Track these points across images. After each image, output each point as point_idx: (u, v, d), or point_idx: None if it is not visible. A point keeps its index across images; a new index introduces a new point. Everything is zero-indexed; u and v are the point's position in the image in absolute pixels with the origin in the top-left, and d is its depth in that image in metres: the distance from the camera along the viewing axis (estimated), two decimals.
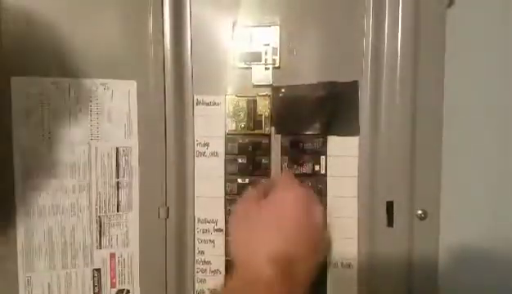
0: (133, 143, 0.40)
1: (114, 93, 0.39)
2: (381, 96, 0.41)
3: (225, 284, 0.35)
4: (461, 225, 0.40)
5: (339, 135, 0.41)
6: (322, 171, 0.42)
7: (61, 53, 0.38)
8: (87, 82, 0.39)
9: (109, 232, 0.40)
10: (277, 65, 0.41)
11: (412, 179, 0.41)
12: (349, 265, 0.42)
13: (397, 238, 0.41)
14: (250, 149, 0.42)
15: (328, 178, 0.42)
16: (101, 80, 0.39)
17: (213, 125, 0.42)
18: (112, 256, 0.40)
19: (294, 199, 0.33)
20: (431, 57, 0.40)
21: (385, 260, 0.41)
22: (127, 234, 0.41)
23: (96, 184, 0.39)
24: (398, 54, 0.40)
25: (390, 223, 0.41)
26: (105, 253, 0.40)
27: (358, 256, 0.42)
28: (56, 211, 0.39)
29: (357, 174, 0.41)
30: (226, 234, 0.42)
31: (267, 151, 0.42)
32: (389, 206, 0.41)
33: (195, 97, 0.42)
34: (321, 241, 0.33)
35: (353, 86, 0.41)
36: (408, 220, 0.41)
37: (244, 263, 0.31)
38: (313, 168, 0.42)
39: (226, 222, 0.42)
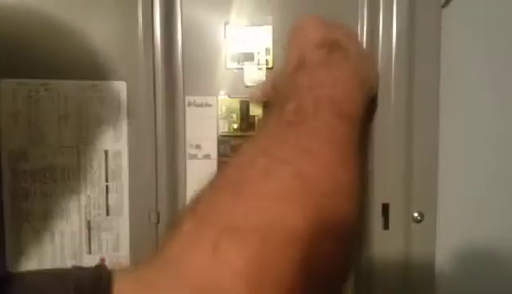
0: (123, 146, 0.39)
1: (103, 95, 0.38)
2: (375, 96, 0.40)
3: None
4: (458, 228, 0.39)
5: None
6: None
7: (51, 55, 0.37)
8: (77, 83, 0.38)
9: (98, 237, 0.39)
10: (270, 66, 0.40)
11: (408, 181, 0.40)
12: None
13: (393, 241, 0.41)
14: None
15: None
16: (91, 82, 0.38)
17: (205, 127, 0.41)
18: (102, 260, 0.39)
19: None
20: (426, 57, 0.40)
21: (381, 263, 0.41)
22: (117, 239, 0.40)
23: (86, 187, 0.39)
24: (393, 53, 0.40)
25: (386, 226, 0.41)
26: (94, 258, 0.39)
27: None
28: (45, 216, 0.38)
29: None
30: None
31: None
32: (385, 208, 0.40)
33: (187, 98, 0.41)
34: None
35: None
36: (404, 222, 0.41)
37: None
38: None
39: None
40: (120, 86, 0.39)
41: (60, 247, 0.38)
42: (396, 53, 0.40)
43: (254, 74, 0.40)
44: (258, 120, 0.41)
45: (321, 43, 0.31)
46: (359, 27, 0.40)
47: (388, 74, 0.40)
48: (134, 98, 0.39)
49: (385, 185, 0.40)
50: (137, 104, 0.39)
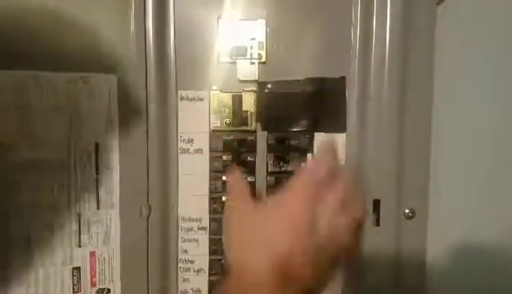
0: (114, 139, 0.39)
1: (94, 88, 0.38)
2: (369, 93, 0.40)
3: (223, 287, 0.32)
4: (450, 225, 0.39)
5: (325, 131, 0.41)
6: None
7: (41, 47, 0.37)
8: (67, 76, 0.37)
9: (89, 230, 0.39)
10: (263, 60, 0.40)
11: (400, 177, 0.40)
12: None
13: (384, 237, 0.41)
14: (235, 145, 0.41)
15: None
16: (81, 74, 0.38)
17: (198, 121, 0.41)
18: (92, 254, 0.39)
19: (310, 201, 0.28)
20: (420, 55, 0.40)
21: (372, 259, 0.41)
22: (107, 232, 0.39)
23: (76, 180, 0.38)
24: (387, 50, 0.40)
25: (377, 222, 0.41)
26: (84, 251, 0.39)
27: None
28: (35, 209, 0.38)
29: None
30: (211, 233, 0.41)
31: (252, 148, 0.41)
32: (376, 204, 0.40)
33: (179, 92, 0.40)
34: (338, 256, 0.28)
35: (341, 83, 0.40)
36: (395, 219, 0.41)
37: (243, 265, 0.28)
38: (299, 166, 0.41)
39: (211, 221, 0.41)
40: (111, 80, 0.38)
41: (49, 240, 0.38)
42: (389, 50, 0.39)
43: (247, 69, 0.40)
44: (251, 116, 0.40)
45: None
46: (353, 21, 0.40)
47: (382, 70, 0.40)
48: (125, 91, 0.39)
49: (377, 181, 0.40)
50: (129, 97, 0.39)
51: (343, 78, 0.40)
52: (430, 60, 0.40)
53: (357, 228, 0.28)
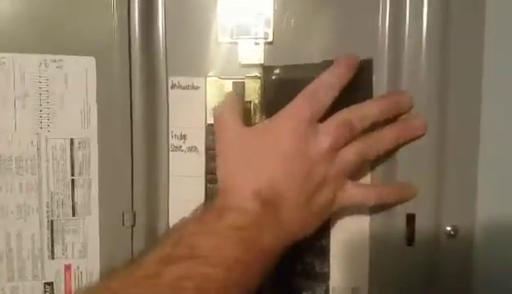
0: (92, 133, 0.34)
1: (68, 72, 0.33)
2: (401, 79, 0.33)
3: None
4: (499, 245, 0.33)
5: None
6: None
7: (5, 24, 0.32)
8: (36, 58, 0.32)
9: (63, 240, 0.34)
10: (270, 40, 0.33)
11: (440, 187, 0.33)
12: (357, 292, 0.34)
13: (418, 259, 0.34)
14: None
15: None
16: (52, 56, 0.32)
17: (192, 113, 0.35)
18: (67, 268, 0.34)
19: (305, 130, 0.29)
20: (465, 51, 0.32)
21: (403, 286, 0.34)
22: (85, 243, 0.34)
23: (47, 182, 0.33)
24: (424, 24, 0.32)
25: (410, 241, 0.34)
26: (58, 264, 0.34)
27: (369, 282, 0.34)
28: (0, 214, 0.33)
29: (369, 178, 0.34)
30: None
31: None
32: (410, 220, 0.34)
33: (170, 79, 0.35)
34: (330, 193, 0.30)
35: (366, 66, 0.33)
36: (433, 237, 0.34)
37: (227, 187, 0.30)
38: None
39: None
40: (88, 63, 0.33)
41: (17, 251, 0.33)
42: (428, 22, 0.32)
43: (251, 50, 0.34)
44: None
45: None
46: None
47: (418, 50, 0.32)
48: (105, 77, 0.33)
49: None
50: (109, 84, 0.34)
51: (369, 61, 0.33)
52: (478, 57, 0.32)
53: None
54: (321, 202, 0.29)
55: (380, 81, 0.33)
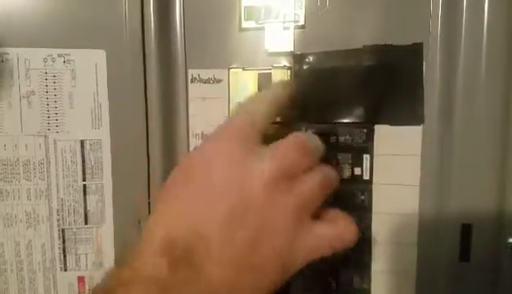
0: (104, 134, 0.30)
1: (76, 67, 0.30)
2: (458, 67, 0.28)
3: None
4: None
5: (392, 124, 0.29)
6: (365, 177, 0.30)
7: (8, 17, 0.29)
8: (41, 52, 0.29)
9: (75, 250, 0.31)
10: (302, 23, 0.29)
11: (502, 194, 0.28)
12: None
13: (474, 276, 0.29)
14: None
15: (374, 186, 0.30)
16: (59, 50, 0.29)
17: (214, 110, 0.31)
18: (81, 280, 0.31)
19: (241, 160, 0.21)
20: None
21: None
22: (99, 254, 0.31)
23: (57, 188, 0.30)
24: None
25: (465, 255, 0.29)
26: (71, 276, 0.31)
27: None
28: (7, 223, 0.30)
29: (418, 182, 0.29)
30: None
31: None
32: (466, 231, 0.29)
33: (189, 72, 0.31)
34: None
35: (416, 52, 0.28)
36: (493, 251, 0.29)
37: (144, 237, 0.22)
38: (352, 172, 0.30)
39: None
40: (98, 56, 0.30)
41: (27, 263, 0.31)
42: (488, 29, 0.27)
43: (279, 36, 0.29)
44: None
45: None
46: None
47: (478, 33, 0.27)
48: (117, 71, 0.30)
49: (467, 198, 0.29)
50: (122, 79, 0.30)
51: (419, 46, 0.28)
52: None
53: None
54: (267, 255, 0.21)
55: (433, 70, 0.28)
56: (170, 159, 0.31)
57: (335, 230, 0.23)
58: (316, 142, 0.24)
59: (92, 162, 0.30)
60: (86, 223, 0.31)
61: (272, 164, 0.21)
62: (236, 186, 0.21)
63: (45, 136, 0.30)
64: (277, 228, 0.21)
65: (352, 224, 0.23)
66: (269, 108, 0.24)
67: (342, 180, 0.30)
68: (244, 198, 0.20)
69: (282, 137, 0.23)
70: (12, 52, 0.29)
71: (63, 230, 0.31)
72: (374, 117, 0.29)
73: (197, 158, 0.23)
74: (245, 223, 0.20)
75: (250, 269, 0.20)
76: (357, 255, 0.30)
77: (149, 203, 0.31)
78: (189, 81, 0.31)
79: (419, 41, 0.28)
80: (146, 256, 0.20)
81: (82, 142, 0.30)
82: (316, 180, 0.22)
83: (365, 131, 0.29)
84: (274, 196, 0.21)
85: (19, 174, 0.30)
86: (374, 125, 0.29)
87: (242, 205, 0.20)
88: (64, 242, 0.31)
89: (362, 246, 0.30)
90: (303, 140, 0.23)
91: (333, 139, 0.30)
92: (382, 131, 0.29)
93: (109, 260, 0.32)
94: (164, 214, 0.22)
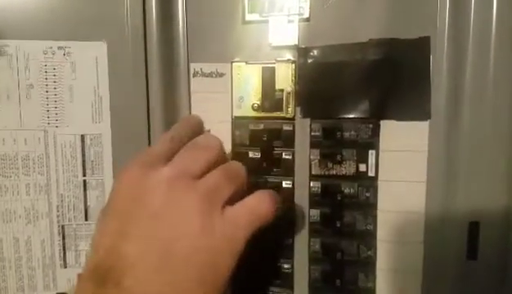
0: (104, 128, 0.30)
1: (76, 60, 0.29)
2: (466, 61, 0.27)
3: None
4: None
5: (398, 119, 0.28)
6: (371, 173, 0.29)
7: (8, 9, 0.28)
8: (40, 44, 0.29)
9: (75, 246, 0.31)
10: (306, 16, 0.29)
11: (510, 190, 0.28)
12: None
13: (482, 274, 0.29)
14: (266, 138, 0.30)
15: (379, 183, 0.29)
16: (59, 42, 0.29)
17: (216, 105, 0.31)
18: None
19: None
20: None
21: None
22: None
23: (57, 183, 0.30)
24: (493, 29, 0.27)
25: (472, 254, 0.29)
26: (71, 274, 0.31)
27: None
28: (6, 218, 0.30)
29: (425, 178, 0.28)
30: None
31: (289, 142, 0.30)
32: (473, 229, 0.28)
33: (191, 66, 0.31)
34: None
35: (423, 46, 0.27)
36: (502, 250, 0.28)
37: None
38: (357, 168, 0.29)
39: None
40: (99, 48, 0.29)
41: (26, 259, 0.30)
42: (497, 23, 0.26)
43: (283, 29, 0.29)
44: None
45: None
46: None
47: (487, 26, 0.27)
48: (118, 64, 0.30)
49: (475, 196, 0.28)
50: (123, 72, 0.30)
51: (426, 40, 0.27)
52: None
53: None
54: (184, 256, 0.21)
55: (440, 65, 0.27)
56: None
57: (248, 207, 0.22)
58: (209, 139, 0.25)
59: (93, 157, 0.30)
60: (86, 219, 0.30)
61: (169, 169, 0.22)
62: (140, 202, 0.21)
63: (44, 130, 0.29)
64: (186, 226, 0.21)
65: (266, 195, 0.23)
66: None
67: (346, 177, 0.30)
68: (148, 208, 0.21)
69: None
70: (12, 44, 0.28)
71: (63, 226, 0.30)
72: (379, 112, 0.29)
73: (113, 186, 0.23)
74: (154, 232, 0.21)
75: (171, 274, 0.20)
76: (362, 253, 0.29)
77: None
78: (191, 75, 0.31)
79: (426, 35, 0.27)
80: (81, 280, 0.22)
81: (82, 136, 0.30)
82: (219, 173, 0.22)
83: (370, 126, 0.29)
84: (176, 196, 0.21)
85: (18, 169, 0.29)
86: (379, 120, 0.29)
87: (148, 215, 0.21)
88: (64, 238, 0.30)
89: (368, 243, 0.29)
90: (199, 141, 0.24)
91: (338, 134, 0.29)
92: (388, 127, 0.29)
93: None
94: (93, 239, 0.22)
